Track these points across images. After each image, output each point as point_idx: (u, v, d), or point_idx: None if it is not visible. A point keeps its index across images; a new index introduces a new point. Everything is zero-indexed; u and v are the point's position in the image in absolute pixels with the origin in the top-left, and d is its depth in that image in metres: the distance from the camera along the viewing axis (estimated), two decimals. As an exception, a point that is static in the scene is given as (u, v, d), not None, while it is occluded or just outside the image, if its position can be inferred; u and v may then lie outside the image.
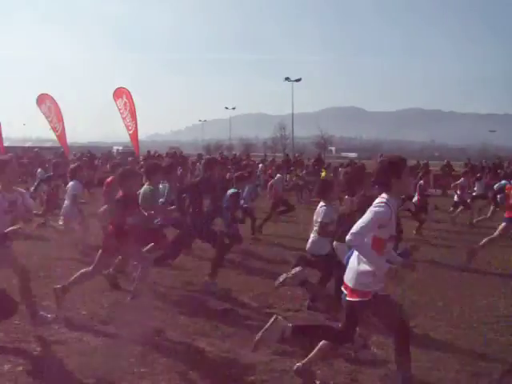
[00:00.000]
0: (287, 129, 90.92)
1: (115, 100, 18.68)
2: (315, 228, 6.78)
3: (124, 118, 18.33)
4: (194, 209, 7.63)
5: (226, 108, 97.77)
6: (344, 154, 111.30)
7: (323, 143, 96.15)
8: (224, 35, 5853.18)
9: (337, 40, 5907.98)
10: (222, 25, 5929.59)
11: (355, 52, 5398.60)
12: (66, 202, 10.13)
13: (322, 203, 6.84)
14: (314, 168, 26.71)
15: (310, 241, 6.86)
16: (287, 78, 64.46)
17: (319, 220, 6.72)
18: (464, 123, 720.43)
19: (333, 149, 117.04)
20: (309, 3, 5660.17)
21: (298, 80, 64.65)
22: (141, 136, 22.06)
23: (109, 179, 9.99)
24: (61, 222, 10.13)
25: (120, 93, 18.71)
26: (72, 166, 10.97)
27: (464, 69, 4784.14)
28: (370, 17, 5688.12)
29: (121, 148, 49.76)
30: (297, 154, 44.47)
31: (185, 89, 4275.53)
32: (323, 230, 6.61)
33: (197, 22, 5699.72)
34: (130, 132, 18.27)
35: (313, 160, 31.80)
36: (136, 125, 18.12)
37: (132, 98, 18.21)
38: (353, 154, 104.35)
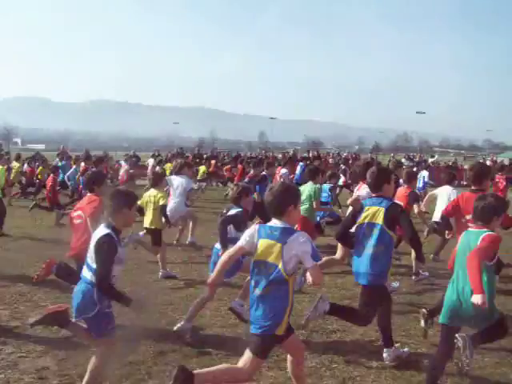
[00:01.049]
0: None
1: None
2: None
3: None
4: None
5: None
6: (31, 146, 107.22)
7: (7, 134, 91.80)
8: None
9: (26, 27, 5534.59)
10: None
11: (41, 40, 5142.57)
12: (175, 198, 10.15)
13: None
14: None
15: None
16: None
17: None
18: (151, 115, 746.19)
19: (18, 140, 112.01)
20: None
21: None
22: None
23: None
24: None
25: None
26: (179, 161, 11.08)
27: (149, 62, 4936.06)
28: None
29: None
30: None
31: None
32: None
33: None
34: None
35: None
36: None
37: None
38: (40, 146, 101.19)
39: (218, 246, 5.99)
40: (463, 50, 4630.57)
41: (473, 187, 6.71)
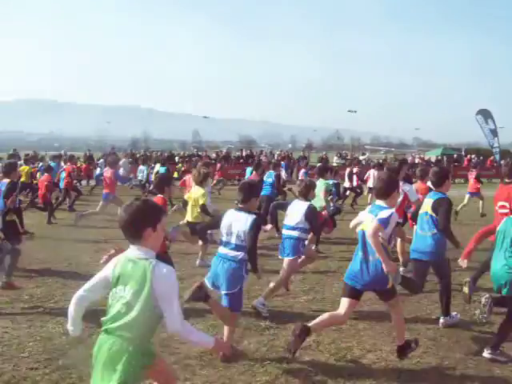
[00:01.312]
0: None
1: None
2: None
3: None
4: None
5: None
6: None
7: None
8: None
9: None
10: None
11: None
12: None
13: None
14: None
15: None
16: None
17: None
18: (84, 114, 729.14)
19: None
20: None
21: None
22: None
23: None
24: None
25: None
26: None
27: (82, 59, 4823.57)
28: None
29: None
30: None
31: None
32: None
33: None
34: None
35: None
36: None
37: None
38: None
39: (285, 232, 7.00)
40: (389, 51, 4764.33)
41: (506, 180, 7.37)
